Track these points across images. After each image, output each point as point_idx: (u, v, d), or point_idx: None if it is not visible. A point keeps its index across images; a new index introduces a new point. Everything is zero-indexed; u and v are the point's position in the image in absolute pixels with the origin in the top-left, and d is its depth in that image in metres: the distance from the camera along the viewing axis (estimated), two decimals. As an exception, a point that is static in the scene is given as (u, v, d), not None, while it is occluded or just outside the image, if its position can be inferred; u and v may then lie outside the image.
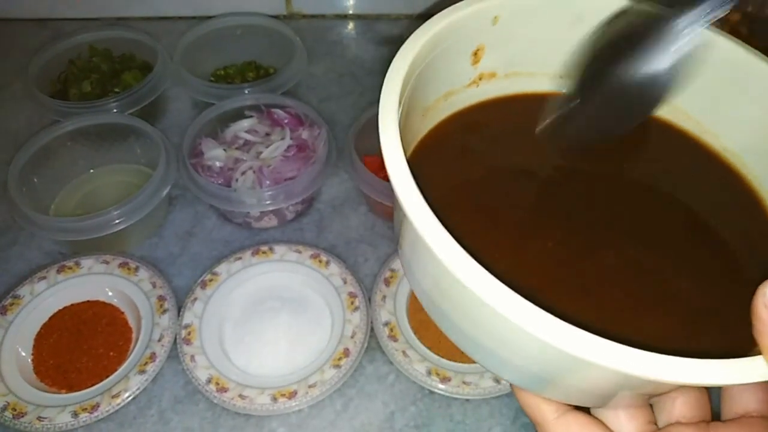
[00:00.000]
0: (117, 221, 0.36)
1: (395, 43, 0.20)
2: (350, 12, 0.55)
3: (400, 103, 0.19)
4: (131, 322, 0.35)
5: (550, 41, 0.25)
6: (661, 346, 0.14)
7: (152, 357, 0.33)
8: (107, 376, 0.33)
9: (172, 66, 0.44)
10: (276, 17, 0.50)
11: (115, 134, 0.41)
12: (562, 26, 0.24)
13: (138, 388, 0.32)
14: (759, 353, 0.13)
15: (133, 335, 0.35)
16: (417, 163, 0.21)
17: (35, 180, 0.39)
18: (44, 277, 0.36)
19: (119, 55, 0.47)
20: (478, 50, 0.24)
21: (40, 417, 0.31)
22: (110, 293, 0.36)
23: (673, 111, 0.26)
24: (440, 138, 0.24)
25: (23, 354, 0.34)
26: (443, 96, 0.24)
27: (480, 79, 0.25)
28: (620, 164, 0.25)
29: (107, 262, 0.37)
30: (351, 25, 0.55)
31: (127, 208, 0.36)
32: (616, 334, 0.14)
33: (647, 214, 0.23)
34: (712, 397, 0.19)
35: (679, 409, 0.18)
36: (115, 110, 0.42)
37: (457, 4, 0.22)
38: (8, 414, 0.31)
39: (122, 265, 0.37)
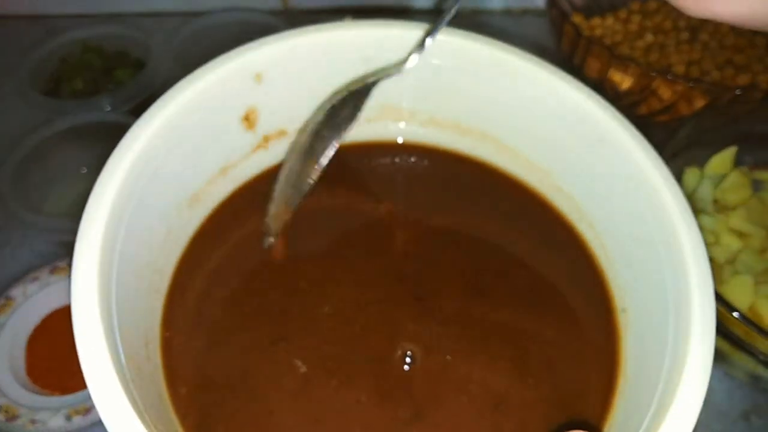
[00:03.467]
0: (110, 221, 0.35)
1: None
2: (346, 7, 0.54)
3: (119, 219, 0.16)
4: (125, 324, 0.35)
5: (341, 85, 0.22)
6: None
7: (146, 359, 0.33)
8: (101, 379, 0.33)
9: (165, 63, 0.44)
10: (272, 13, 0.49)
11: (108, 132, 0.40)
12: (352, 68, 0.22)
13: (132, 391, 0.32)
14: None
15: (128, 337, 0.35)
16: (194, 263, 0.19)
17: (28, 179, 0.38)
18: (37, 278, 0.36)
19: (112, 51, 0.46)
20: (249, 114, 0.21)
21: (33, 420, 0.31)
22: (104, 294, 0.36)
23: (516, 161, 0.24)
24: (220, 226, 0.21)
25: (16, 356, 0.34)
26: (219, 172, 0.21)
27: (267, 141, 0.22)
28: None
29: (101, 263, 0.36)
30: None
31: (121, 208, 0.35)
32: None
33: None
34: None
35: None
36: (108, 107, 0.41)
37: (203, 68, 0.19)
38: (1, 416, 0.31)
39: (116, 266, 0.36)
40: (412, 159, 0.25)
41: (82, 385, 0.33)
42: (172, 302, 0.19)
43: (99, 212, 0.15)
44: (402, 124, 0.24)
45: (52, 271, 0.36)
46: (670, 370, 0.16)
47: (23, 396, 0.32)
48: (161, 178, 0.18)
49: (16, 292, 0.35)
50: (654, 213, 0.19)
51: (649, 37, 0.44)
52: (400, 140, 0.25)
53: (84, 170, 0.41)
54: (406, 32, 0.22)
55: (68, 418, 0.31)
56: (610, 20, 0.45)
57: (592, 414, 0.18)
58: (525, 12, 0.55)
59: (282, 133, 0.23)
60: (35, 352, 0.34)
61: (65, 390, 0.33)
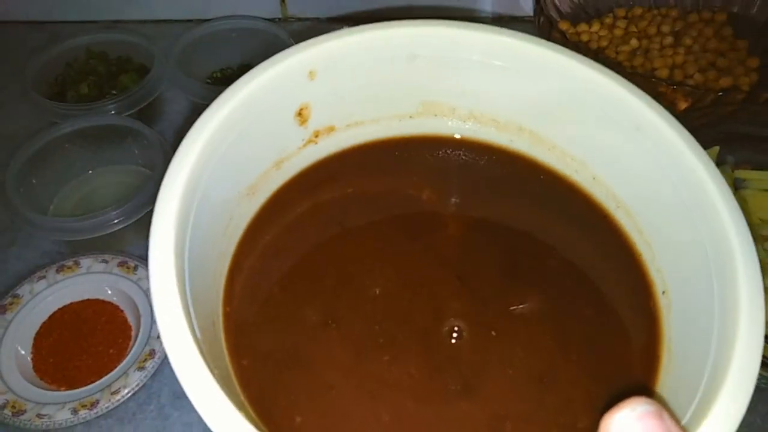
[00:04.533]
0: (116, 221, 0.36)
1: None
2: (345, 14, 0.56)
3: (191, 203, 0.17)
4: (130, 320, 0.36)
5: (387, 82, 0.23)
6: None
7: (151, 354, 0.34)
8: (107, 373, 0.33)
9: (168, 68, 0.45)
10: (271, 20, 0.50)
11: (112, 136, 0.42)
12: (398, 65, 0.22)
13: (137, 385, 0.33)
14: None
15: (133, 332, 0.35)
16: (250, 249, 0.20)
17: (33, 181, 0.39)
18: (43, 277, 0.37)
19: (116, 57, 0.47)
20: (302, 109, 0.22)
21: (40, 414, 0.31)
22: (109, 291, 0.37)
23: (536, 142, 0.24)
24: (275, 214, 0.22)
25: (23, 352, 0.34)
26: (274, 165, 0.22)
27: (317, 136, 0.23)
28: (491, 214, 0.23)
29: (106, 261, 0.37)
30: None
31: (126, 208, 0.36)
32: None
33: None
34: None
35: None
36: (112, 112, 0.42)
37: (260, 66, 0.20)
38: (8, 411, 0.31)
39: (121, 264, 0.37)
40: (453, 151, 0.25)
41: (87, 379, 0.33)
42: (232, 281, 0.20)
43: (170, 205, 0.16)
44: (444, 120, 0.25)
45: (59, 270, 0.37)
46: (718, 348, 0.16)
47: (30, 391, 0.33)
48: (224, 171, 0.19)
49: (23, 290, 0.36)
50: (693, 195, 0.18)
51: (634, 42, 0.45)
52: (446, 134, 0.25)
53: (89, 172, 0.43)
54: (449, 30, 0.22)
55: (74, 411, 0.32)
56: (596, 26, 0.47)
57: (635, 391, 0.19)
58: (513, 19, 0.56)
59: (331, 129, 0.23)
60: (42, 349, 0.35)
61: (71, 385, 0.33)
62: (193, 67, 0.46)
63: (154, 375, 0.34)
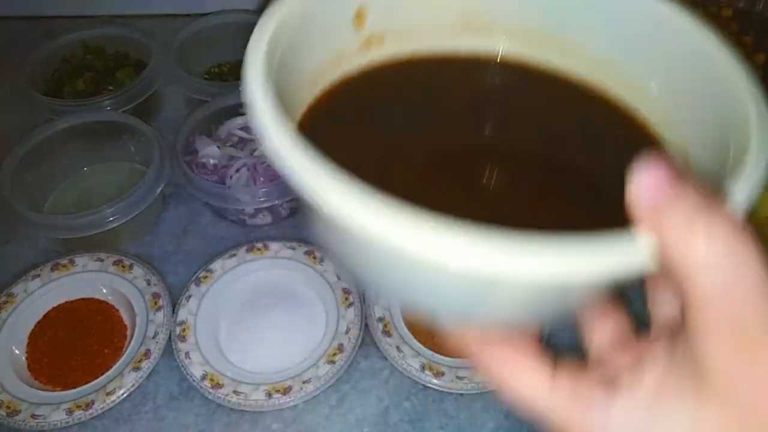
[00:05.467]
0: (111, 219, 0.36)
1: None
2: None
3: (270, 68, 0.18)
4: (126, 320, 0.36)
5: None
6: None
7: (147, 354, 0.33)
8: (102, 374, 0.33)
9: (166, 63, 0.44)
10: (270, 15, 0.50)
11: (109, 132, 0.41)
12: None
13: (133, 385, 0.32)
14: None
15: (128, 332, 0.35)
16: (306, 132, 0.21)
17: (29, 178, 0.39)
18: (38, 275, 0.36)
19: (113, 52, 0.47)
20: (359, 12, 0.23)
21: (35, 415, 0.31)
22: (105, 291, 0.36)
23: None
24: (330, 105, 0.23)
25: (17, 352, 0.34)
26: (330, 63, 0.23)
27: (370, 43, 0.24)
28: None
29: (102, 260, 0.37)
30: (345, 23, 0.55)
31: (122, 205, 0.36)
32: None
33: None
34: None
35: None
36: (109, 108, 0.42)
37: None
38: (2, 412, 0.31)
39: (117, 263, 0.37)
40: (495, 67, 0.26)
41: (83, 379, 0.33)
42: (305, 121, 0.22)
43: (260, 45, 0.17)
44: (487, 39, 0.25)
45: (53, 268, 0.37)
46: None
47: (24, 391, 0.32)
48: (298, 51, 0.20)
49: (18, 289, 0.36)
50: (714, 76, 0.19)
51: (639, 39, 0.44)
52: (489, 52, 0.26)
53: (85, 169, 0.42)
54: None
55: (69, 412, 0.31)
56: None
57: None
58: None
59: (381, 38, 0.24)
60: (37, 348, 0.34)
61: (66, 385, 0.33)
62: (191, 62, 0.46)
63: (149, 376, 0.33)
